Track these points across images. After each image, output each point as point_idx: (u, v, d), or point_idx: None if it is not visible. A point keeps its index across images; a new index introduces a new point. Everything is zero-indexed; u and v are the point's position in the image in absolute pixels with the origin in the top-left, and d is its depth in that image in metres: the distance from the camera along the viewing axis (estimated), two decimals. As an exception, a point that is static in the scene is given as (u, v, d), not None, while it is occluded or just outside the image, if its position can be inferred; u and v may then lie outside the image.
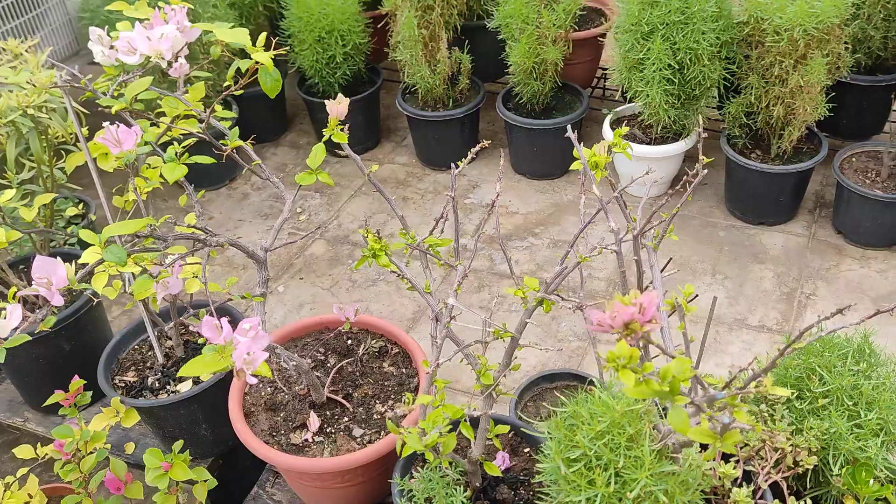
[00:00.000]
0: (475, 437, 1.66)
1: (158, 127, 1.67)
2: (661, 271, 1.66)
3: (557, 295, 1.62)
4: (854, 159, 3.04)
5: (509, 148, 3.55)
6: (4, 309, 1.04)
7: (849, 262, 2.98)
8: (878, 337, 2.69)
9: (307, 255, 3.22)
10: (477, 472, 1.75)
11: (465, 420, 1.55)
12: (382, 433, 1.85)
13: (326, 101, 1.65)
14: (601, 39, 3.53)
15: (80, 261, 1.62)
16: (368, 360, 2.02)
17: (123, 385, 2.01)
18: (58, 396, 1.72)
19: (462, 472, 1.73)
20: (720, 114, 3.22)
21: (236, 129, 1.52)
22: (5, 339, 1.06)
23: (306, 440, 1.84)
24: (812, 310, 2.80)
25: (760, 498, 1.63)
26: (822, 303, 2.82)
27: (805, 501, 1.63)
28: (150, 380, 2.00)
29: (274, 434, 1.86)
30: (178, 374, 1.16)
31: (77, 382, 1.72)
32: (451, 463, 1.69)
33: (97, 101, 1.44)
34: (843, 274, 2.93)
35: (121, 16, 1.62)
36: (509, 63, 3.25)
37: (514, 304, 2.95)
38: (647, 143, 3.19)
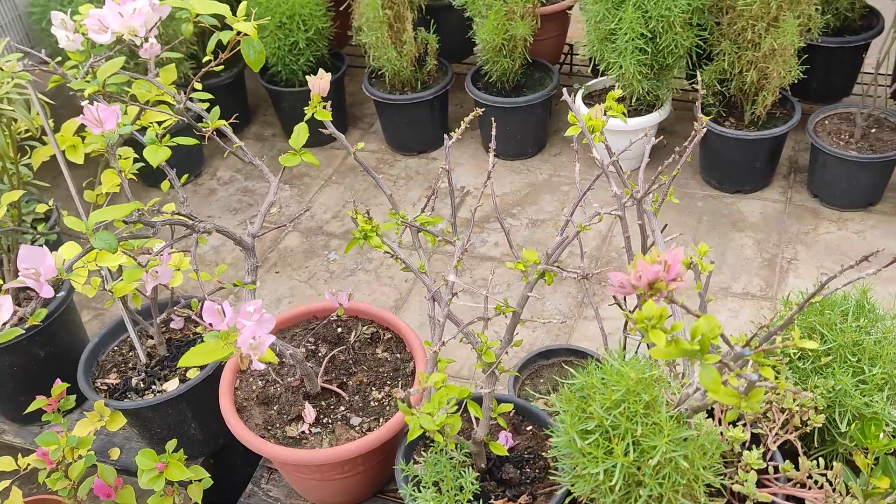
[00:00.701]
0: (479, 421, 1.62)
1: (130, 112, 1.59)
2: (662, 231, 1.63)
3: (558, 266, 1.58)
4: (827, 122, 3.04)
5: (480, 129, 3.50)
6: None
7: (826, 225, 2.98)
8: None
9: (281, 248, 3.15)
10: (482, 452, 1.70)
11: (472, 399, 1.50)
12: (381, 420, 1.79)
13: (310, 77, 1.58)
14: (569, 12, 3.49)
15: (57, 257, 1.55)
16: (361, 347, 1.96)
17: (106, 388, 1.93)
18: (40, 402, 1.64)
19: (467, 454, 1.68)
20: (690, 84, 3.21)
21: (216, 108, 1.45)
22: (-5, 334, 0.98)
23: (303, 432, 1.78)
24: (794, 274, 2.80)
25: (770, 459, 1.61)
26: (804, 267, 2.82)
27: (817, 461, 1.61)
28: (133, 381, 1.92)
29: (269, 428, 1.79)
30: (179, 364, 1.09)
31: (60, 386, 1.63)
32: (456, 445, 1.64)
33: (68, 86, 1.36)
34: (822, 237, 2.94)
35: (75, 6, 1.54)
36: (477, 41, 3.20)
37: (498, 287, 2.91)
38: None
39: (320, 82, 1.59)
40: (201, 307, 1.09)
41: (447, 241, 1.60)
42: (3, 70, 1.42)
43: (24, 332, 2.02)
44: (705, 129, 1.49)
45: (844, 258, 2.83)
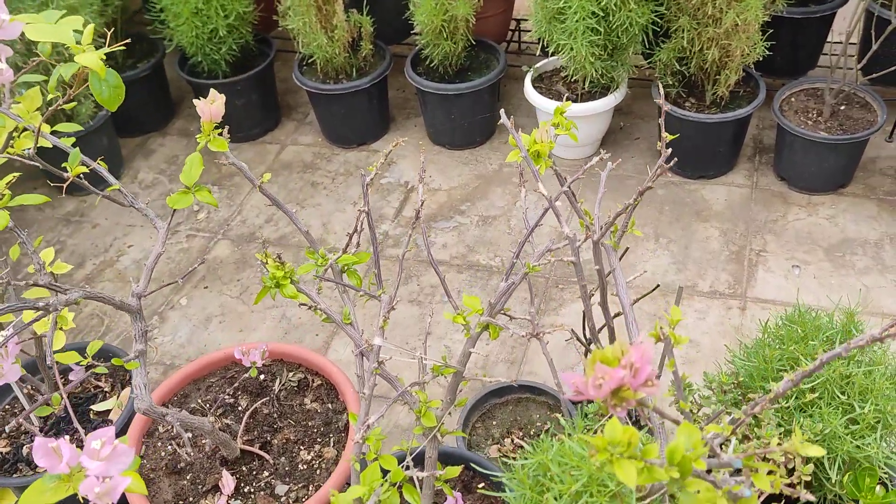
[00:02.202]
0: (421, 490, 1.39)
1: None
2: (620, 259, 1.40)
3: (505, 314, 1.34)
4: (793, 99, 2.84)
5: (424, 117, 3.23)
6: None
7: (796, 211, 2.79)
8: (835, 290, 2.51)
9: (210, 259, 2.87)
10: (427, 522, 1.48)
11: (409, 481, 1.27)
12: (311, 487, 1.56)
13: (197, 102, 1.31)
14: (513, -12, 3.23)
15: None
16: (287, 398, 1.71)
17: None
18: None
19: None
20: (648, 63, 2.97)
21: (76, 151, 1.18)
22: None
23: (220, 506, 1.54)
24: (764, 267, 2.61)
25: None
26: (773, 259, 2.63)
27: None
28: (25, 450, 1.66)
29: (181, 503, 1.55)
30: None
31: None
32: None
33: None
34: (791, 224, 2.74)
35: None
36: (416, 23, 2.93)
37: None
38: (574, 101, 2.92)
39: (211, 107, 1.32)
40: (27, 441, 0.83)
41: (371, 295, 1.36)
42: None
43: None
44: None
45: (817, 247, 2.64)
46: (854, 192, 2.82)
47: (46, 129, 1.29)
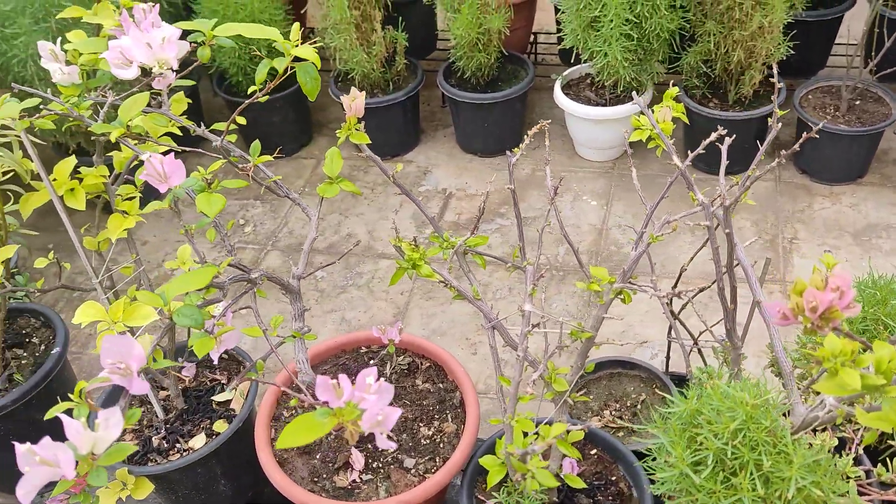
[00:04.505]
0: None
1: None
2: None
3: (630, 283, 1.47)
4: (811, 96, 3.02)
5: (455, 127, 3.37)
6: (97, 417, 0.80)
7: (820, 201, 2.96)
8: (867, 271, 2.67)
9: (263, 269, 2.95)
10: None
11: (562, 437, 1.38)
12: (437, 459, 1.66)
13: (343, 98, 1.42)
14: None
15: (74, 320, 1.37)
16: (399, 380, 1.82)
17: (122, 452, 1.74)
18: (65, 484, 1.45)
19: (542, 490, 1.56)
20: (667, 70, 3.13)
21: (257, 143, 1.29)
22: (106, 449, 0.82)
23: (354, 481, 1.64)
24: (798, 254, 2.77)
25: (857, 463, 1.54)
26: (806, 245, 2.79)
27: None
28: (154, 441, 1.74)
29: (316, 480, 1.64)
30: (277, 447, 0.94)
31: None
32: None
33: (89, 130, 1.18)
34: (818, 213, 2.91)
35: (28, 31, 1.35)
36: (451, 37, 3.06)
37: (499, 291, 2.79)
38: (602, 105, 3.07)
39: (354, 103, 1.44)
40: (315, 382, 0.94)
41: (517, 266, 1.47)
42: None
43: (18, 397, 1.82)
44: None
45: (845, 233, 2.81)
46: (871, 182, 3.00)
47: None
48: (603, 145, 3.17)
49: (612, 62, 2.81)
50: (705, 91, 3.01)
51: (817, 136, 1.50)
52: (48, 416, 0.94)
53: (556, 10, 3.46)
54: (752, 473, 1.20)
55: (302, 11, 3.24)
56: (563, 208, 3.08)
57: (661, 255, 2.78)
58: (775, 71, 1.57)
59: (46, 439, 0.74)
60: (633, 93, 1.52)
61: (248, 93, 1.23)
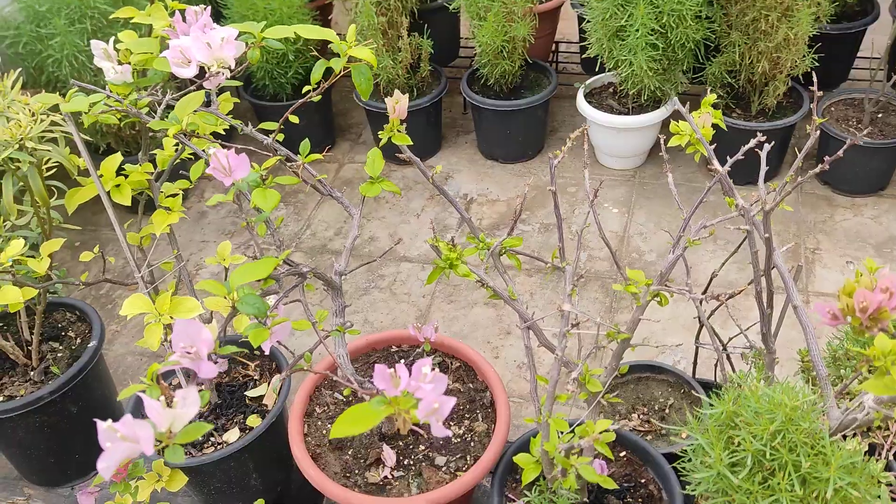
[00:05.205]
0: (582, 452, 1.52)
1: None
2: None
3: (667, 285, 1.49)
4: (833, 109, 3.04)
5: (477, 133, 3.39)
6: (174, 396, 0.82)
7: (842, 213, 2.98)
8: None
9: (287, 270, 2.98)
10: (583, 487, 1.61)
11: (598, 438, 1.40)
12: (468, 458, 1.68)
13: (388, 100, 1.45)
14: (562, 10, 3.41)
15: (121, 312, 1.39)
16: (430, 380, 1.84)
17: (158, 443, 1.76)
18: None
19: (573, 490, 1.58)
20: (690, 80, 3.16)
21: (306, 141, 1.32)
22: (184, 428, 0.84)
23: (386, 477, 1.66)
24: (820, 264, 2.78)
25: (888, 469, 1.55)
26: (828, 256, 2.80)
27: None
28: (187, 435, 1.76)
29: (348, 475, 1.67)
30: (331, 435, 0.96)
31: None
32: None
33: (148, 126, 1.21)
34: (840, 224, 2.93)
35: (64, 32, 1.38)
36: (476, 44, 3.09)
37: (521, 295, 2.81)
38: (625, 114, 3.10)
39: (398, 105, 1.46)
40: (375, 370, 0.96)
41: (556, 266, 1.50)
42: (34, 113, 1.24)
43: (52, 392, 1.84)
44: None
45: (866, 244, 2.82)
46: (893, 194, 3.02)
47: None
48: (624, 153, 3.19)
49: (637, 71, 2.83)
50: (728, 101, 3.03)
51: (841, 156, 1.52)
52: (121, 396, 0.97)
53: (580, 20, 3.49)
54: (790, 474, 1.21)
55: (329, 17, 3.27)
56: (584, 215, 3.10)
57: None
58: (814, 79, 1.58)
59: (128, 416, 0.76)
60: (674, 97, 1.54)
61: (303, 92, 1.25)
